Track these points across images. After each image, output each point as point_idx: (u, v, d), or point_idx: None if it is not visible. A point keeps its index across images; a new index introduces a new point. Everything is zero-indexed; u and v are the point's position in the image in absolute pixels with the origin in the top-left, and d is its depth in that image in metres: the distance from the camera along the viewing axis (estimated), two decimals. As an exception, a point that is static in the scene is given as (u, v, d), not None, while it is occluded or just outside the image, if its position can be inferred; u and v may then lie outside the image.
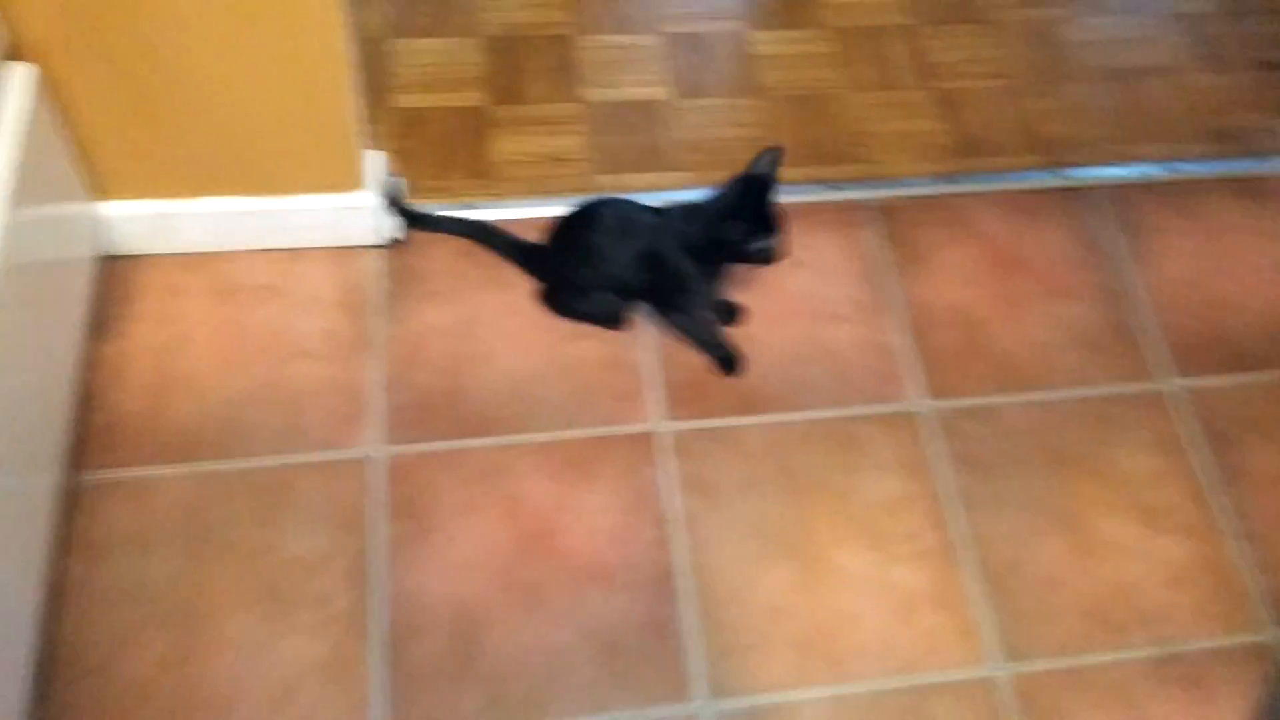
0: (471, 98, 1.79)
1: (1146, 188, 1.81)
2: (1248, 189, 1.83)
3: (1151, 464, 1.54)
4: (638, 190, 1.57)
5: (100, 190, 1.44)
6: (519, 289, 1.58)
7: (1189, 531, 1.49)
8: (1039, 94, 1.90)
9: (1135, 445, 1.56)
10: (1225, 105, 1.93)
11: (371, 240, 1.58)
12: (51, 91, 1.28)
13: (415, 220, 1.58)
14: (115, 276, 1.51)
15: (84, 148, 1.37)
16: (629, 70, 1.86)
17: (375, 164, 1.53)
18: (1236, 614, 1.43)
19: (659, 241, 1.44)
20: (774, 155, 1.40)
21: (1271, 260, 1.76)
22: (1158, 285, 1.71)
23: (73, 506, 1.32)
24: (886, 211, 1.73)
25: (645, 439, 1.48)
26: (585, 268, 1.49)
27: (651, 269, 1.45)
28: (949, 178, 1.78)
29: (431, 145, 1.72)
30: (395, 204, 1.56)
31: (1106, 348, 1.64)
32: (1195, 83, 1.95)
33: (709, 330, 1.55)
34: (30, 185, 1.22)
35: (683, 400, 1.52)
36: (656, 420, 1.50)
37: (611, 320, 1.55)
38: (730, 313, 1.59)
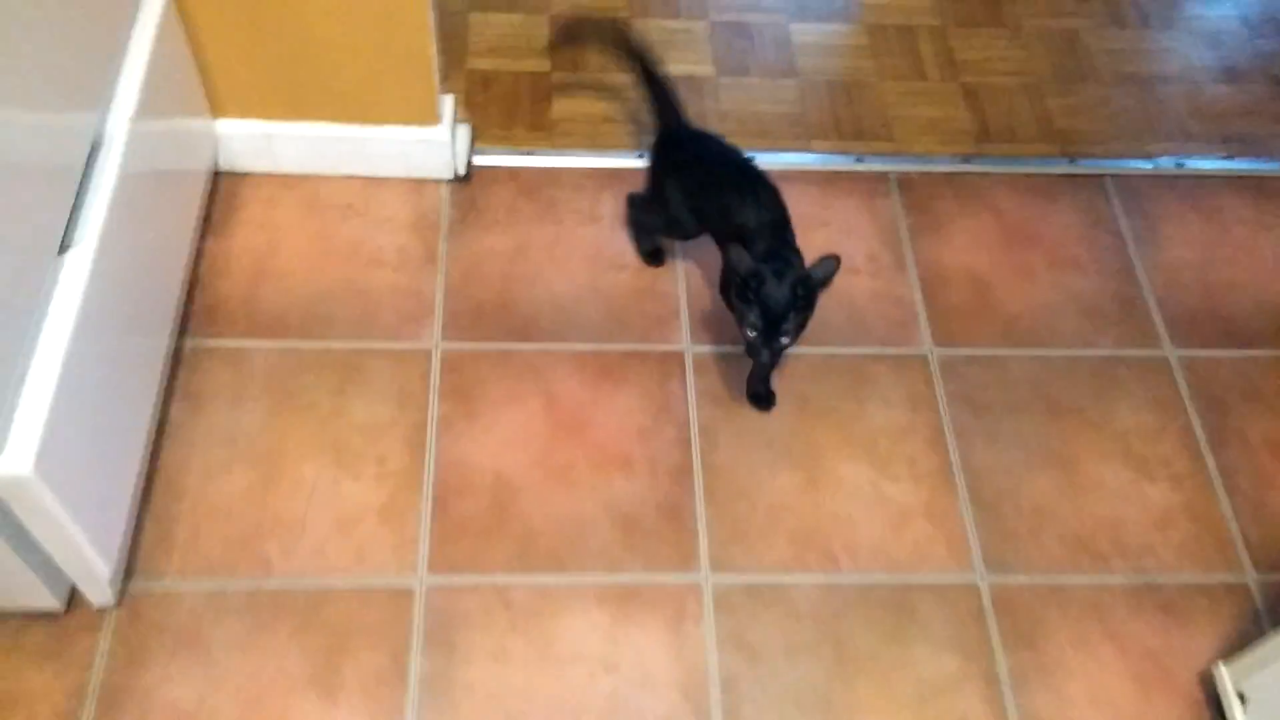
0: (536, 65, 2.00)
1: (1156, 179, 1.95)
2: (1254, 186, 1.96)
3: (1148, 421, 1.66)
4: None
5: (217, 108, 1.67)
6: (567, 224, 1.77)
7: (1179, 482, 1.60)
8: (1058, 92, 2.06)
9: (1133, 403, 1.68)
10: (1237, 113, 2.07)
11: (443, 174, 1.78)
12: (181, 13, 1.51)
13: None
14: (224, 188, 1.74)
15: (205, 68, 1.60)
16: (678, 49, 2.06)
17: (449, 107, 1.74)
18: (1217, 557, 1.54)
19: (804, 270, 1.41)
20: (831, 264, 1.39)
21: (1274, 251, 1.88)
22: (1162, 265, 1.84)
23: (179, 364, 1.53)
24: (906, 184, 1.90)
25: (672, 358, 1.64)
26: (709, 206, 1.54)
27: (795, 288, 1.38)
28: (967, 158, 1.94)
29: (499, 102, 1.93)
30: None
31: (1110, 316, 1.77)
32: (1210, 92, 2.10)
33: (771, 362, 1.53)
34: (162, 99, 1.44)
35: (706, 328, 1.68)
36: (684, 343, 1.66)
37: (655, 256, 1.73)
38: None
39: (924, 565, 1.48)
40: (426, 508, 1.45)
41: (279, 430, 1.49)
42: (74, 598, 1.30)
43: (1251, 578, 1.52)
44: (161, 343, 1.48)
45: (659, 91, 1.65)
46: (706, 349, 1.66)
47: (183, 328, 1.56)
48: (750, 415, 1.60)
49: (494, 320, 1.65)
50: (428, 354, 1.60)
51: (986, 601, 1.46)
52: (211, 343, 1.56)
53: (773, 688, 1.35)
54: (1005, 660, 1.41)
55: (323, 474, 1.46)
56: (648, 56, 1.66)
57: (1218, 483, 1.61)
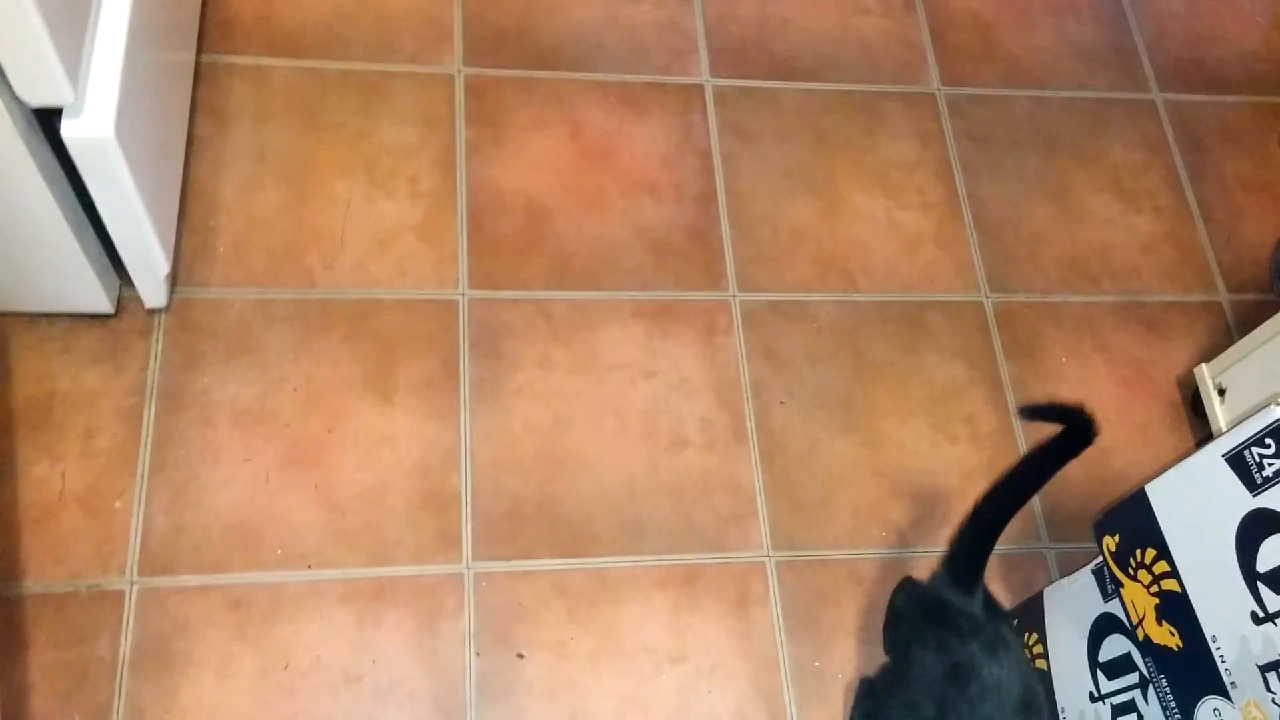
0: None
1: (1152, -71, 1.90)
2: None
3: (1136, 158, 1.68)
4: None
5: None
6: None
7: (1161, 213, 1.64)
8: None
9: (1123, 141, 1.69)
10: None
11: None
12: None
13: None
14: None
15: None
16: None
17: None
18: (1194, 279, 1.59)
19: None
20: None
21: (1250, 4, 1.86)
22: (1152, 14, 1.81)
23: (199, 80, 1.41)
24: (919, -76, 1.81)
25: (694, 89, 1.59)
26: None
27: None
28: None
29: None
30: None
31: (1103, 61, 1.76)
32: None
33: None
34: None
35: (727, 63, 1.62)
36: (704, 75, 1.60)
37: None
38: None
39: (934, 285, 1.51)
40: (462, 227, 1.41)
41: (307, 149, 1.41)
42: (122, 302, 1.25)
43: (1224, 297, 1.58)
44: (189, 51, 1.37)
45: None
46: (725, 82, 1.60)
47: (200, 44, 1.44)
48: (770, 146, 1.57)
49: (515, 47, 1.56)
50: (450, 78, 1.51)
51: (990, 317, 1.50)
52: (230, 59, 1.45)
53: (800, 389, 1.39)
54: (1007, 367, 1.46)
55: (356, 191, 1.40)
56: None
57: (1196, 214, 1.65)
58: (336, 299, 1.33)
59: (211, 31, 1.46)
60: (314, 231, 1.36)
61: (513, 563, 1.22)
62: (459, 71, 1.52)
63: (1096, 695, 1.07)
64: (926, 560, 1.29)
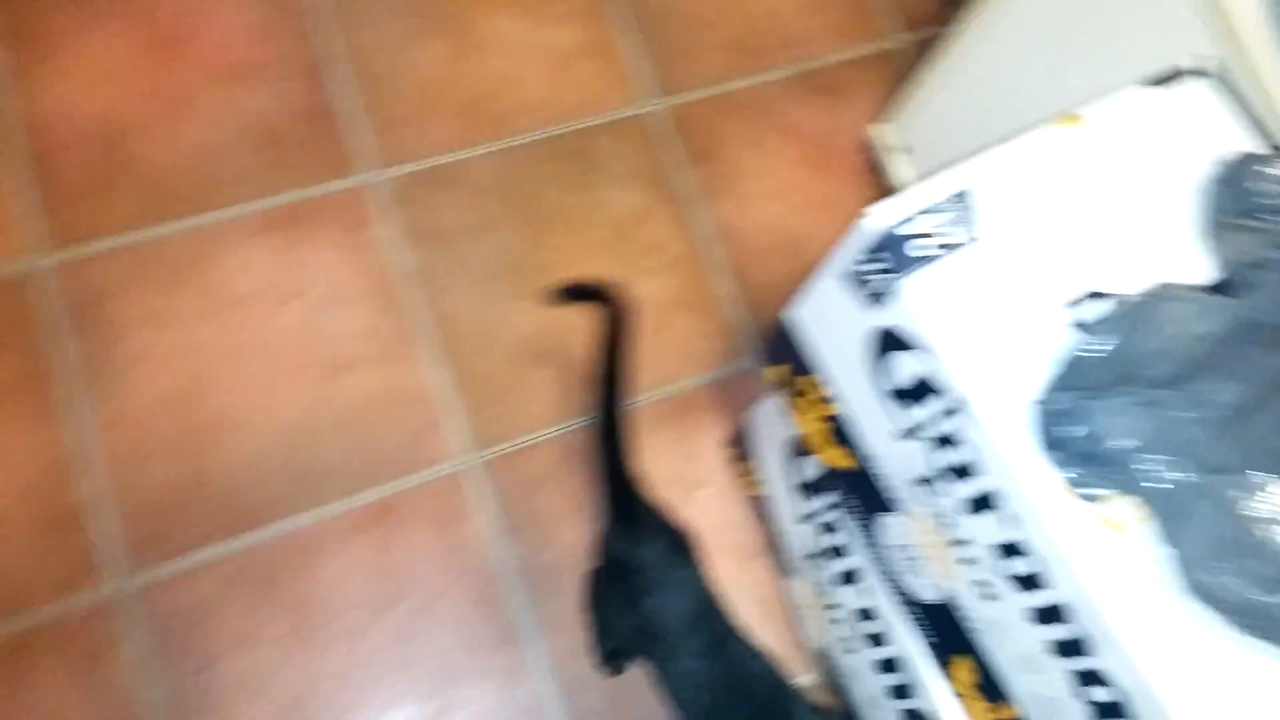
0: None
1: None
2: None
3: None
4: None
5: None
6: None
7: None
8: None
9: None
10: None
11: None
12: None
13: None
14: None
15: None
16: None
17: None
18: (866, 27, 1.48)
19: None
20: None
21: None
22: None
23: None
24: None
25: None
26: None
27: None
28: None
29: None
30: None
31: None
32: None
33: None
34: None
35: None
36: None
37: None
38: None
39: (595, 105, 1.35)
40: (22, 174, 1.15)
41: None
42: None
43: (899, 40, 1.49)
44: None
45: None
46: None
47: None
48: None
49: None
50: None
51: (660, 127, 1.36)
52: None
53: (472, 264, 1.24)
54: (688, 179, 1.34)
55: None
56: None
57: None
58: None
59: None
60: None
61: (180, 560, 1.06)
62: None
63: (802, 516, 1.03)
64: (628, 415, 1.21)
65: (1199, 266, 0.68)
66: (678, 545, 0.93)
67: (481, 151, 1.29)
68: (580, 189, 1.30)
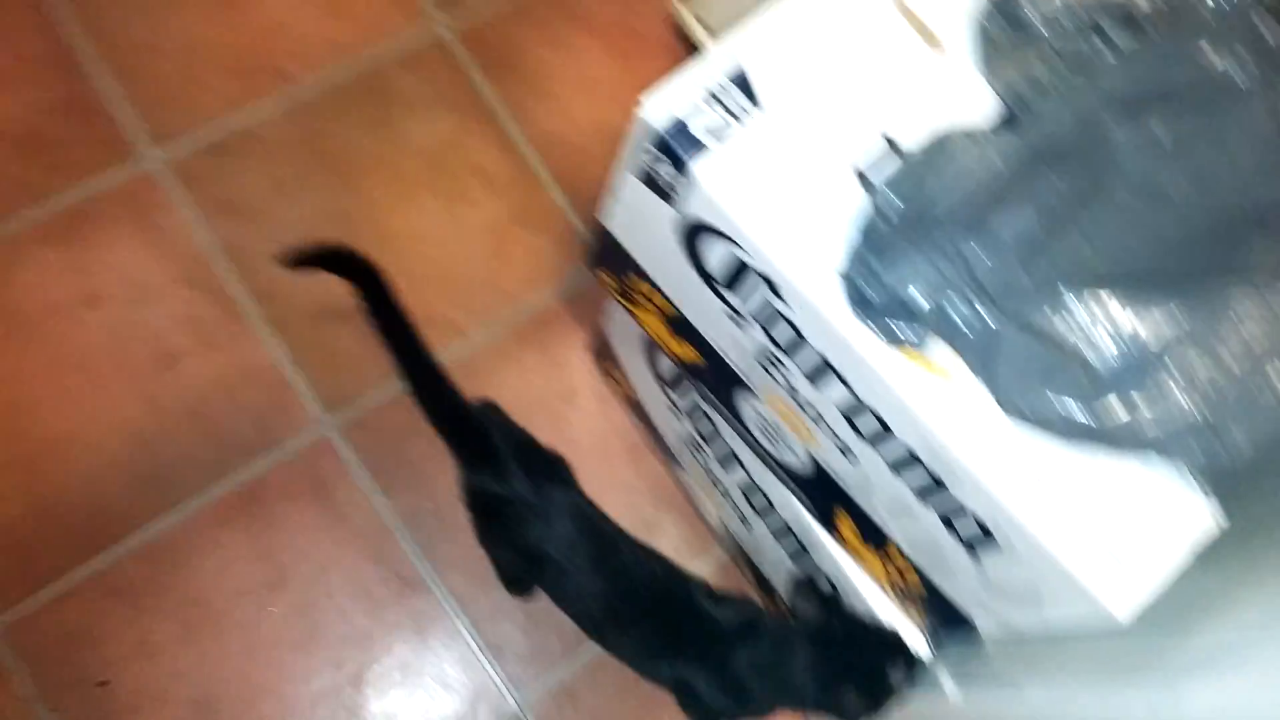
0: None
1: None
2: None
3: None
4: None
5: None
6: None
7: None
8: None
9: None
10: None
11: None
12: None
13: None
14: None
15: None
16: None
17: None
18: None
19: None
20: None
21: None
22: None
23: None
24: None
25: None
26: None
27: None
28: None
29: None
30: None
31: None
32: None
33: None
34: None
35: None
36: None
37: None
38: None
39: (381, 35, 1.27)
40: None
41: None
42: None
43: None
44: None
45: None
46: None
47: None
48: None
49: None
50: None
51: (455, 47, 1.29)
52: None
53: (285, 227, 1.17)
54: (495, 94, 1.28)
55: None
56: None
57: None
58: None
59: None
60: None
61: (43, 593, 1.00)
62: None
63: (672, 408, 1.03)
64: (489, 346, 1.18)
65: (984, 102, 0.68)
66: (545, 470, 0.92)
67: (267, 111, 1.20)
68: (385, 126, 1.23)
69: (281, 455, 1.09)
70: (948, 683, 0.77)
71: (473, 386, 0.91)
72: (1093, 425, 0.58)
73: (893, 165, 0.64)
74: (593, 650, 1.10)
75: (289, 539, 1.07)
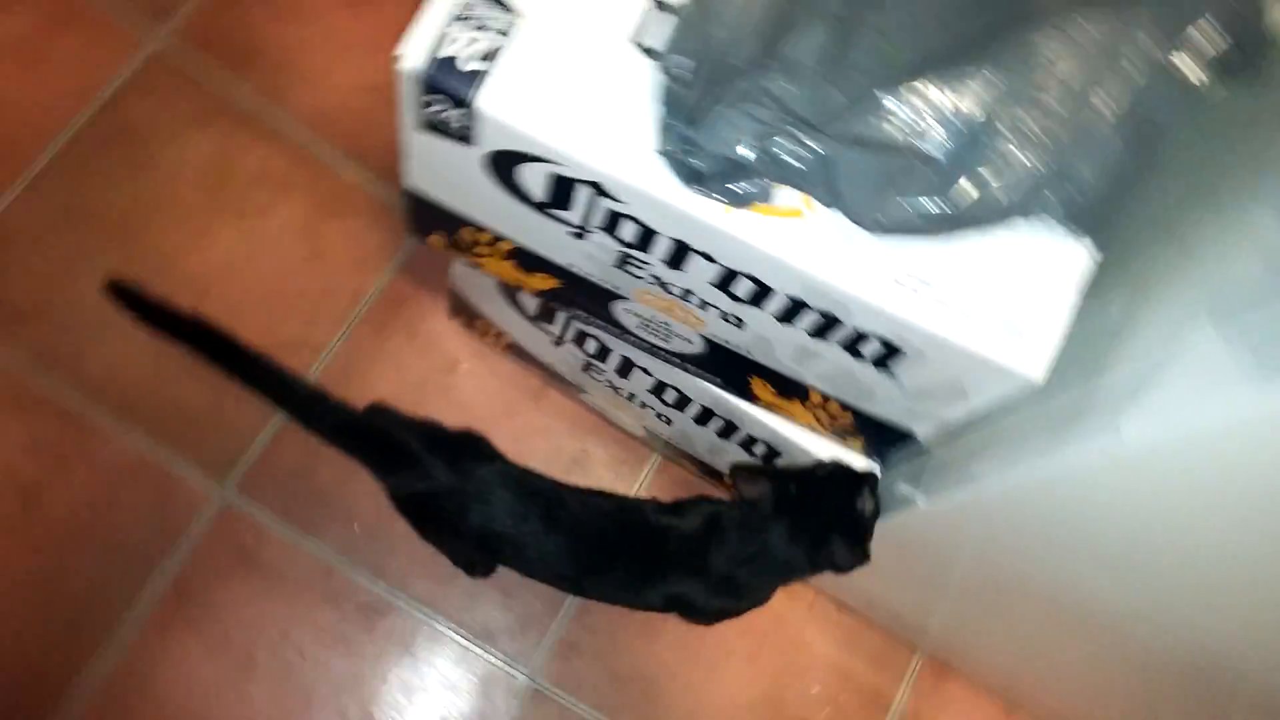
0: None
1: None
2: None
3: None
4: None
5: None
6: None
7: None
8: None
9: None
10: None
11: None
12: None
13: None
14: None
15: None
16: None
17: None
18: None
19: None
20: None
21: None
22: None
23: None
24: None
25: None
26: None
27: None
28: None
29: None
30: None
31: None
32: None
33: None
34: None
35: None
36: None
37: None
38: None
39: (98, 75, 1.15)
40: None
41: None
42: None
43: None
44: None
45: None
46: None
47: None
48: None
49: None
50: None
51: (185, 53, 1.18)
52: None
53: (87, 314, 1.06)
54: (247, 90, 1.18)
55: None
56: None
57: None
58: None
59: None
60: None
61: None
62: None
63: (554, 341, 1.00)
64: (350, 348, 1.12)
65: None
66: (461, 450, 0.88)
67: (10, 196, 1.08)
68: (146, 166, 1.13)
69: (191, 542, 1.03)
70: (916, 495, 0.78)
71: (354, 393, 0.86)
72: (950, 212, 0.57)
73: (669, 25, 0.60)
74: (573, 598, 1.09)
75: (237, 617, 1.02)
